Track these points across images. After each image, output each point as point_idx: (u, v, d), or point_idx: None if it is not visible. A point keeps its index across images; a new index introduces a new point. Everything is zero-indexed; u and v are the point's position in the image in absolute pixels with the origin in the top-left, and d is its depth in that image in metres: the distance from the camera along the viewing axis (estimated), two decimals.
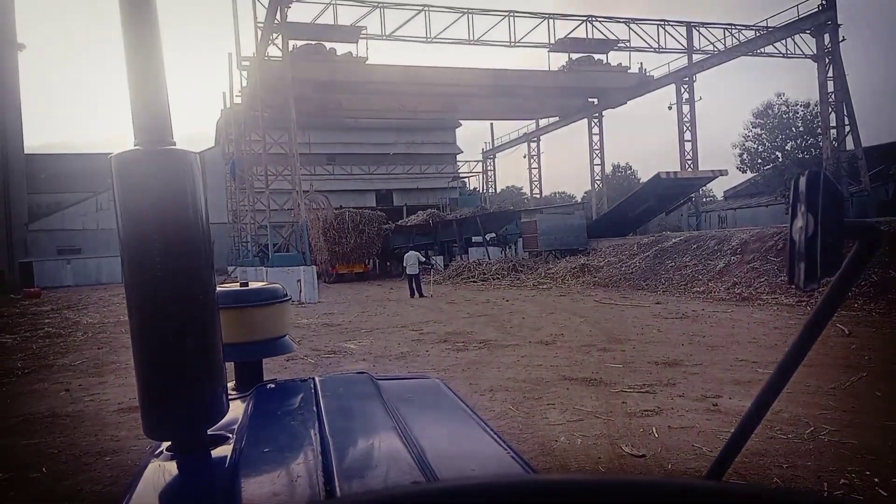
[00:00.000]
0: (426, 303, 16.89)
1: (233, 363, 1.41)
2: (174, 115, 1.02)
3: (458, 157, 50.48)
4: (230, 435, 1.09)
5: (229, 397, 1.10)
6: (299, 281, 18.56)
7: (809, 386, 5.94)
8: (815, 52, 28.29)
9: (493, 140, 52.17)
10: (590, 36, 33.15)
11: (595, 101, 38.80)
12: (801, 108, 36.13)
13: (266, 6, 24.66)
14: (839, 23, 27.47)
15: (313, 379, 1.42)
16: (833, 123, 27.75)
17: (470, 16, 30.39)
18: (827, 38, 27.49)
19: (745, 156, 38.96)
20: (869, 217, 21.93)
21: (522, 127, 47.85)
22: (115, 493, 4.12)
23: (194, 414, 0.99)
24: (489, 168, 53.58)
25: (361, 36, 29.37)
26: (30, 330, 14.07)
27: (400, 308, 15.84)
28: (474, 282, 22.80)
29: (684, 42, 33.64)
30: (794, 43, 30.14)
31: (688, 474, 4.10)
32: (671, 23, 33.62)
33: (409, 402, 1.30)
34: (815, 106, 31.66)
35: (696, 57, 33.31)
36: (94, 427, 5.83)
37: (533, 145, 47.66)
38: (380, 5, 28.65)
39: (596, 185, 42.17)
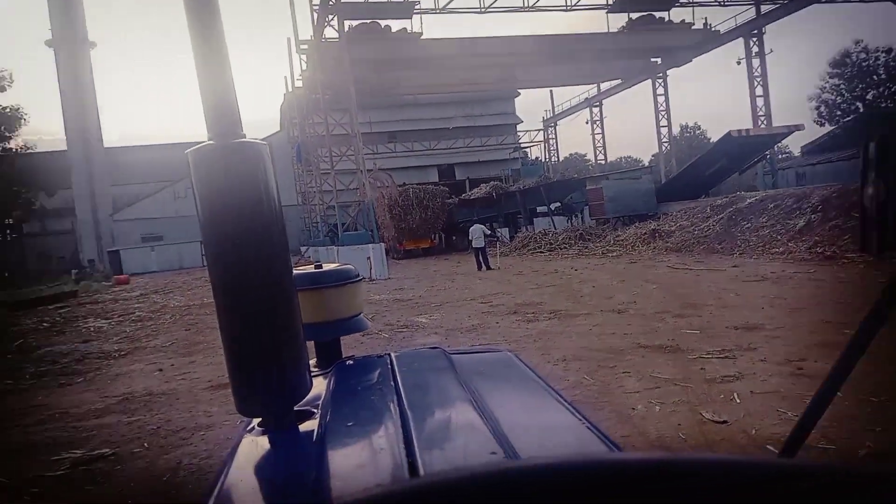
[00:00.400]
0: (494, 275, 16.91)
1: (312, 342, 1.47)
2: (240, 104, 1.06)
3: (519, 127, 49.81)
4: (315, 410, 1.14)
5: (312, 375, 1.14)
6: (369, 258, 18.93)
7: None
8: None
9: (553, 107, 51.13)
10: None
11: (658, 60, 37.40)
12: (883, 55, 33.77)
13: None
14: None
15: (389, 355, 1.46)
16: None
17: None
18: None
19: (822, 108, 36.91)
20: None
21: (583, 92, 46.70)
22: (211, 465, 4.38)
23: (282, 391, 1.04)
24: (550, 136, 52.66)
25: (415, 11, 29.23)
26: (122, 315, 14.96)
27: (468, 281, 15.92)
28: (541, 252, 22.62)
29: None
30: None
31: (771, 441, 3.99)
32: None
33: (483, 376, 1.31)
34: None
35: (763, 8, 31.49)
36: (187, 404, 6.18)
37: (595, 110, 46.42)
38: None
39: (663, 148, 40.81)
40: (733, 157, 24.93)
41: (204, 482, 4.19)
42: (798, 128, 25.21)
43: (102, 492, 4.18)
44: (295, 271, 1.29)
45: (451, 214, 29.88)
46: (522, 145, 48.11)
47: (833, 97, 36.26)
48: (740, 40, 32.49)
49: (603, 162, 47.62)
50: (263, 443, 1.03)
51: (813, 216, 15.47)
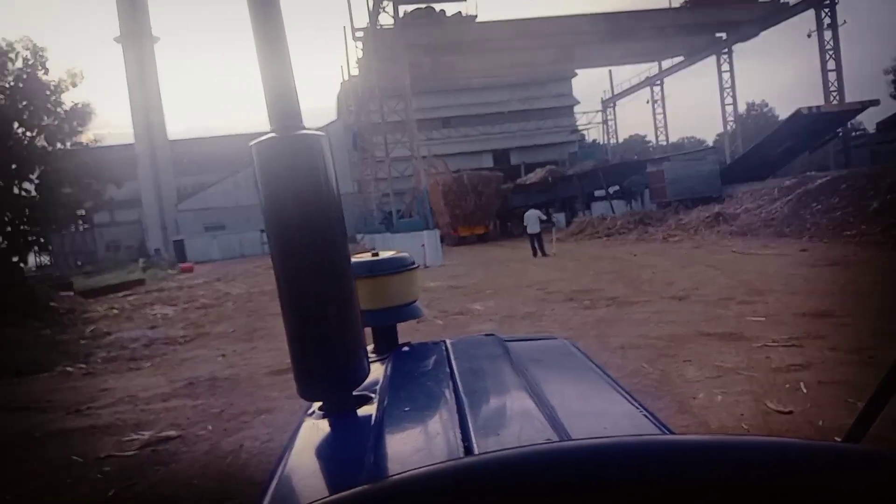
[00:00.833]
0: (549, 261, 16.74)
1: (370, 329, 1.49)
2: (299, 95, 1.09)
3: (576, 109, 48.99)
4: (373, 395, 1.16)
5: (370, 361, 1.17)
6: (423, 245, 19.04)
7: None
8: None
9: (612, 87, 49.94)
10: None
11: (723, 35, 35.99)
12: None
13: None
14: None
15: (444, 341, 1.48)
16: None
17: None
18: None
19: None
20: None
21: (643, 71, 45.42)
22: (272, 448, 4.50)
23: (341, 377, 1.06)
24: (609, 118, 51.52)
25: None
26: (187, 301, 15.55)
27: (523, 268, 15.82)
28: (598, 238, 22.28)
29: None
30: None
31: (839, 434, 3.81)
32: None
33: (538, 363, 1.32)
34: None
35: None
36: (249, 388, 6.37)
37: (656, 89, 45.10)
38: None
39: (729, 127, 39.36)
40: (803, 135, 23.95)
41: (265, 464, 4.32)
42: (873, 103, 24.15)
43: (169, 472, 4.36)
44: (353, 259, 1.32)
45: (506, 200, 29.74)
46: (580, 128, 47.30)
47: None
48: (811, 12, 30.91)
49: (665, 143, 46.30)
50: (324, 426, 1.07)
51: (888, 196, 14.67)
